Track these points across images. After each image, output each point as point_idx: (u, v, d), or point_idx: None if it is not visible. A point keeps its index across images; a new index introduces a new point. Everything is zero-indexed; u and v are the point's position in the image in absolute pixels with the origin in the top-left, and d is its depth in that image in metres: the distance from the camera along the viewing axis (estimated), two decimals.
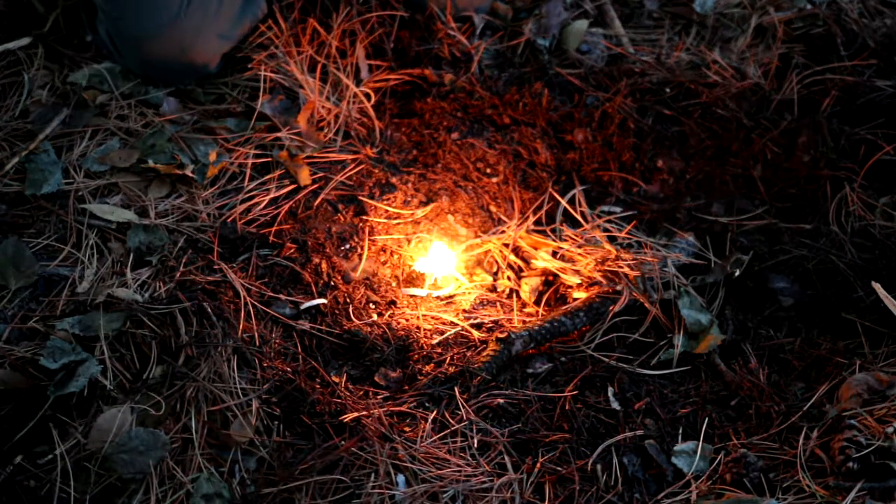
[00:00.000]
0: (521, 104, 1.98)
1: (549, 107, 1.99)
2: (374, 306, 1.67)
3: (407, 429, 1.45)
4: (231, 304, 1.57)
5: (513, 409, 1.51)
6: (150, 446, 1.38)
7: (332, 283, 1.68)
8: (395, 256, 1.75)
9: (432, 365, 1.57)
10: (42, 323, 1.53)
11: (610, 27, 2.17)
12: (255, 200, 1.75)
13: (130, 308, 1.52)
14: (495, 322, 1.67)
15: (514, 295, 1.74)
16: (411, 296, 1.69)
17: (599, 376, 1.57)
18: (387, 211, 1.80)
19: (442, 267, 1.73)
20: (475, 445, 1.44)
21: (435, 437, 1.44)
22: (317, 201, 1.78)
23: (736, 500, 1.35)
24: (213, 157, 1.80)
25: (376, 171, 1.86)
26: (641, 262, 1.71)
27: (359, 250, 1.73)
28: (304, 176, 1.80)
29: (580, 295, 1.70)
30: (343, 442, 1.41)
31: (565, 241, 1.78)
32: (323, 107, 1.90)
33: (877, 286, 1.54)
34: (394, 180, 1.85)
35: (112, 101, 1.88)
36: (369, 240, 1.74)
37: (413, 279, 1.73)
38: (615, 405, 1.53)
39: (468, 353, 1.59)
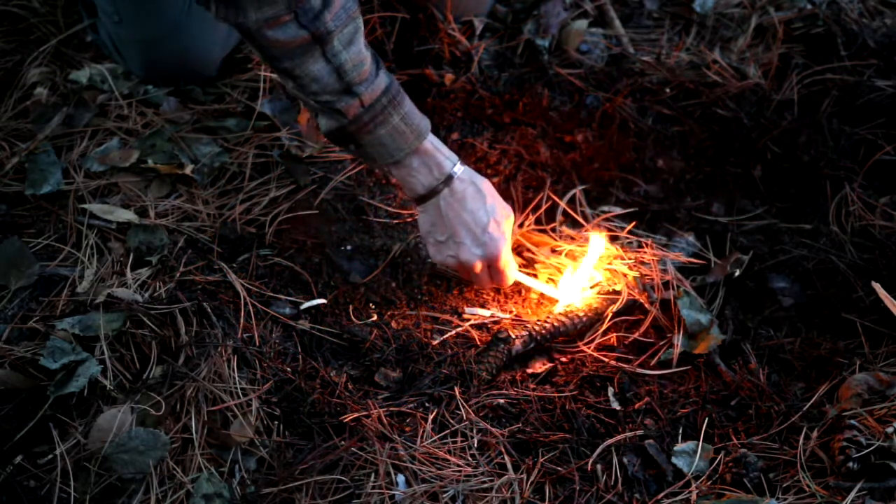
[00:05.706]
0: (521, 104, 1.98)
1: (549, 107, 1.98)
2: (374, 306, 1.67)
3: (407, 429, 1.45)
4: (231, 304, 1.57)
5: (513, 409, 1.51)
6: (150, 446, 1.38)
7: (332, 283, 1.68)
8: None
9: (432, 365, 1.56)
10: (42, 323, 1.53)
11: (610, 27, 2.16)
12: (255, 200, 1.75)
13: (130, 308, 1.52)
14: (495, 322, 1.67)
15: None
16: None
17: (599, 376, 1.57)
18: (387, 211, 1.80)
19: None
20: (475, 445, 1.44)
21: (435, 437, 1.43)
22: (317, 201, 1.77)
23: (736, 500, 1.35)
24: (212, 157, 1.80)
25: (376, 170, 1.86)
26: (641, 262, 1.71)
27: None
28: (304, 176, 1.80)
29: None
30: (343, 442, 1.41)
31: (565, 241, 1.78)
32: None
33: (877, 286, 1.54)
34: (394, 180, 1.85)
35: (112, 101, 1.88)
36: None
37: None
38: (615, 405, 1.52)
39: (468, 353, 1.59)
